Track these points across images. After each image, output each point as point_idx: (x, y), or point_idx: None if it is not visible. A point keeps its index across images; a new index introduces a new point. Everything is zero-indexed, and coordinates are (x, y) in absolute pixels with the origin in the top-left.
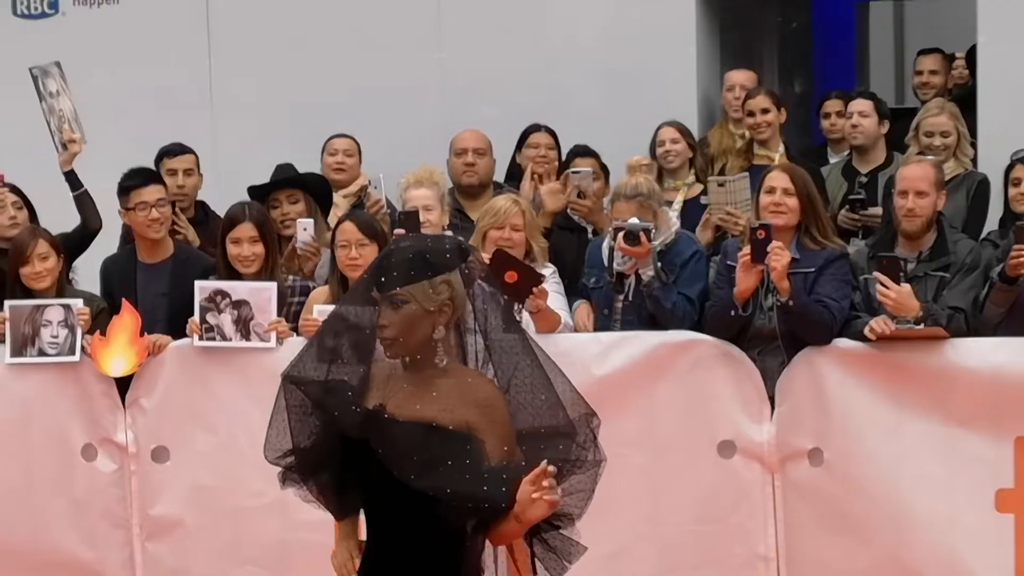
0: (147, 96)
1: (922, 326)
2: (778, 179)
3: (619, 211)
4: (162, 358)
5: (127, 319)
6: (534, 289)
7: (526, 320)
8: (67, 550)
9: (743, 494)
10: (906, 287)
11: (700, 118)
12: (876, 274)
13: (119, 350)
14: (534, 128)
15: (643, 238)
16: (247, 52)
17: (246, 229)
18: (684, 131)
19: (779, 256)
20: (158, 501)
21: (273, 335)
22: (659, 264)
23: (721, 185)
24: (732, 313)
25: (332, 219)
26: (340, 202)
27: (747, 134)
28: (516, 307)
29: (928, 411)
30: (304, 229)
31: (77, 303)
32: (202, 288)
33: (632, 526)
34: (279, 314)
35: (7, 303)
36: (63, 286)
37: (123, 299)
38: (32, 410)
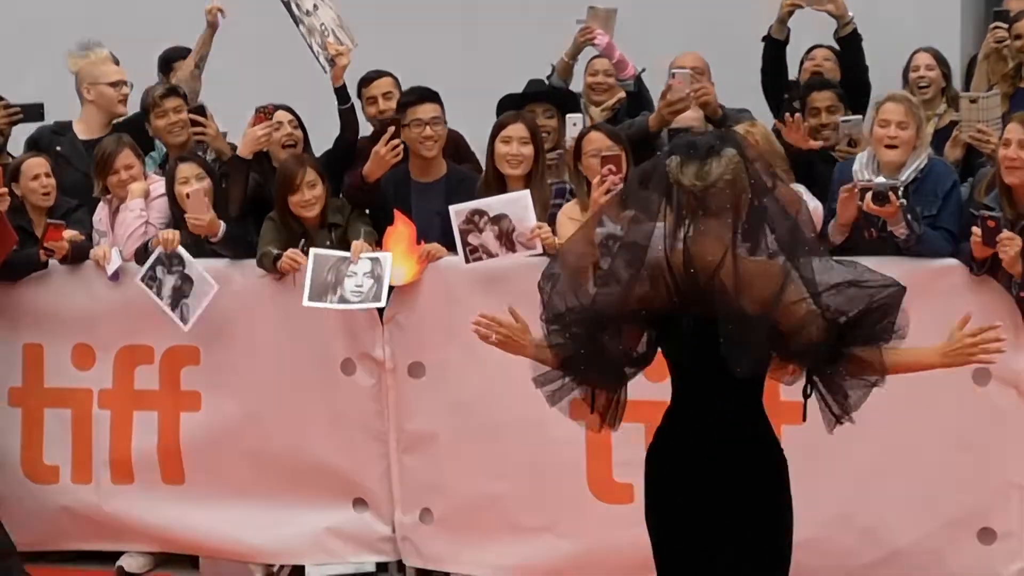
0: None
1: None
2: (1014, 131)
3: (885, 111)
4: (421, 277)
5: (402, 229)
6: None
7: None
8: (326, 459)
9: (998, 421)
10: None
11: (963, 45)
12: None
13: (398, 259)
14: (816, 47)
15: (892, 197)
16: None
17: (518, 129)
18: (940, 58)
19: (1007, 246)
20: (414, 416)
21: (537, 242)
22: (909, 217)
23: (973, 102)
24: (970, 270)
25: None
26: (597, 116)
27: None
28: None
29: None
30: (574, 124)
31: (387, 257)
32: (457, 212)
33: (886, 452)
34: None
35: (312, 251)
36: (327, 211)
37: (395, 211)
38: (297, 324)
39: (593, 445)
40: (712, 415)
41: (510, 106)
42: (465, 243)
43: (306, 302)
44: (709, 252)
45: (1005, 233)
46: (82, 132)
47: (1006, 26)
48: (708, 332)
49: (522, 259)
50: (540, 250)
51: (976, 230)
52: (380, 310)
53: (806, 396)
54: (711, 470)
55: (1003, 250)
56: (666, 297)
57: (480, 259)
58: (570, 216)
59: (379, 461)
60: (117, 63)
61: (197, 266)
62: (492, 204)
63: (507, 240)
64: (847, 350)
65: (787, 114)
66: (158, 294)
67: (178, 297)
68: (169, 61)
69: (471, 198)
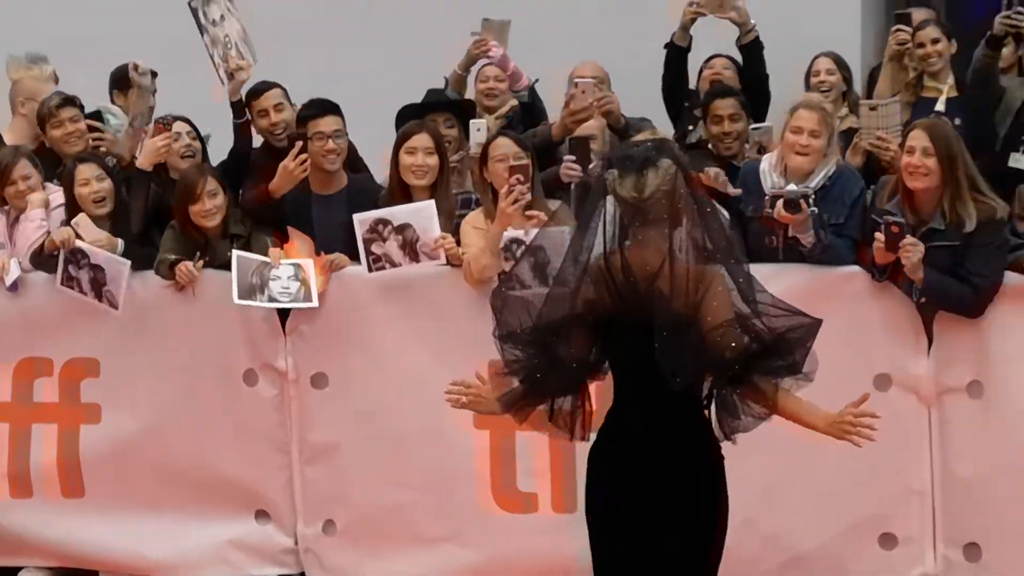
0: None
1: None
2: (918, 138)
3: (799, 118)
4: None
5: (300, 245)
6: None
7: None
8: (228, 471)
9: (899, 428)
10: None
11: (864, 54)
12: None
13: None
14: (714, 56)
15: (803, 205)
16: None
17: (423, 139)
18: (840, 63)
19: (910, 252)
20: (317, 426)
21: (441, 252)
22: (817, 227)
23: (873, 109)
24: (872, 276)
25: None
26: (491, 124)
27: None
28: None
29: None
30: (478, 130)
31: (308, 263)
32: (362, 221)
33: (789, 458)
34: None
35: (235, 253)
36: (229, 221)
37: (288, 228)
38: (199, 335)
39: (497, 454)
40: (652, 419)
41: (410, 116)
42: (369, 252)
43: (236, 300)
44: (648, 260)
45: (908, 239)
46: (10, 142)
47: (908, 28)
48: (649, 338)
49: (426, 269)
50: (444, 260)
51: (879, 235)
52: (283, 320)
53: (705, 407)
54: (648, 473)
55: (906, 256)
56: (610, 302)
57: (383, 268)
58: (474, 225)
59: (281, 472)
60: (57, 82)
61: (100, 253)
62: (396, 213)
63: (411, 250)
64: (749, 375)
65: (706, 169)
66: (80, 291)
67: (98, 287)
68: (124, 79)
69: (373, 208)
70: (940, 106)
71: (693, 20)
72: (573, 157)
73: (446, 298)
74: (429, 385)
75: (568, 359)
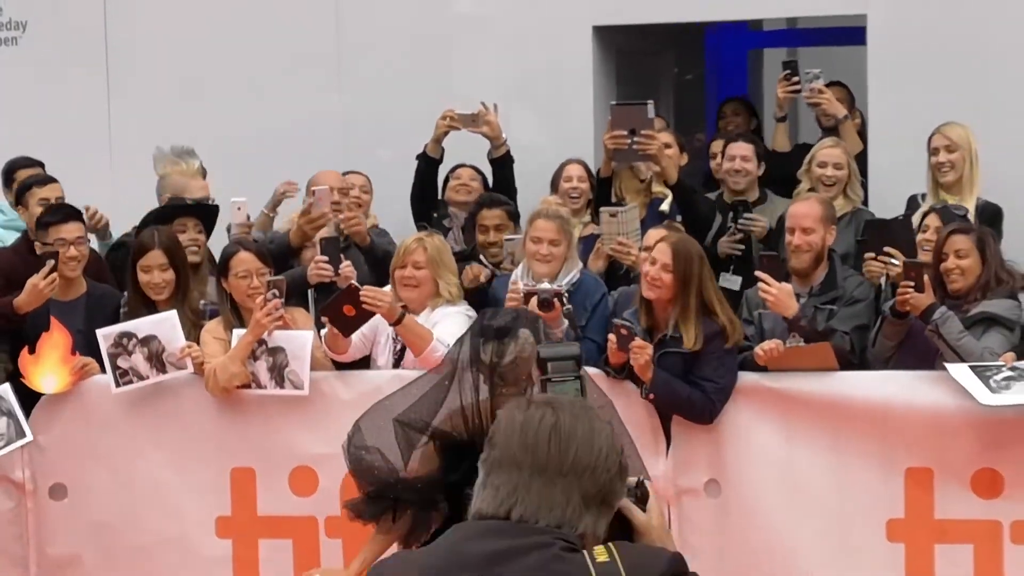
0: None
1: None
2: (661, 252)
3: (539, 228)
4: (59, 396)
5: (58, 337)
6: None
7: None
8: None
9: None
10: (787, 286)
11: (597, 164)
12: (757, 272)
13: (50, 368)
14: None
15: (556, 303)
16: (146, 96)
17: (155, 256)
18: (589, 171)
19: (637, 354)
20: (56, 539)
21: (188, 361)
22: (567, 324)
23: (613, 216)
24: (608, 375)
25: None
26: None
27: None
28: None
29: (820, 443)
30: (239, 209)
31: (6, 388)
32: (105, 336)
33: None
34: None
35: None
36: None
37: (51, 317)
38: None
39: (241, 563)
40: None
41: (155, 220)
42: (115, 367)
43: None
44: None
45: (636, 341)
46: None
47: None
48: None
49: (171, 379)
50: (191, 369)
51: (612, 337)
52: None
53: None
54: None
55: (634, 357)
56: (468, 427)
57: (131, 382)
58: (214, 335)
59: None
60: (205, 176)
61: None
62: (140, 326)
63: (157, 361)
64: None
65: (466, 268)
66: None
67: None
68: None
69: (113, 315)
70: (665, 206)
71: (446, 133)
72: (325, 257)
73: (189, 406)
74: (172, 494)
75: (418, 478)
